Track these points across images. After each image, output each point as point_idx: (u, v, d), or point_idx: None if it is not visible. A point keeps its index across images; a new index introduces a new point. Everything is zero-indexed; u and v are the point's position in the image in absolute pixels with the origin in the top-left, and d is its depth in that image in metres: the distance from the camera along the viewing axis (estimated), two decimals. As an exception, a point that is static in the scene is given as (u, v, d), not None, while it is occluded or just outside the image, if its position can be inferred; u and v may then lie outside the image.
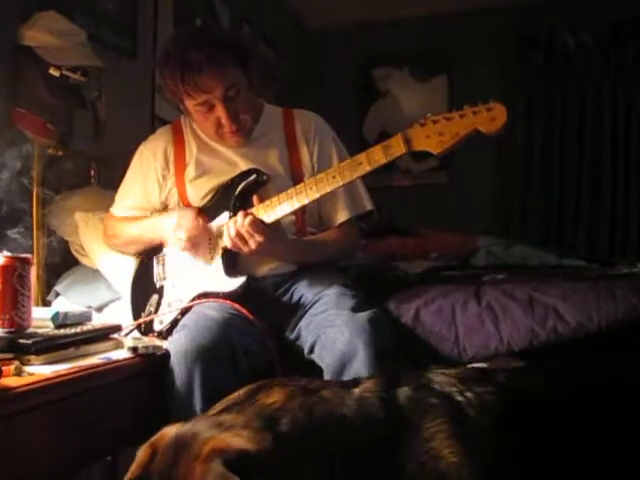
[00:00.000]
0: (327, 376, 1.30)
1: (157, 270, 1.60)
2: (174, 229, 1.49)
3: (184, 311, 1.44)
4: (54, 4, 1.81)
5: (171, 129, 1.67)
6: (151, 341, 1.38)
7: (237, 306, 1.37)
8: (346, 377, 1.26)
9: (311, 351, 1.38)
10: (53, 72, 1.74)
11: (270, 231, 1.40)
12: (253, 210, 1.43)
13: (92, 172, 2.10)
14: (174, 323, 1.44)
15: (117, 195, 1.70)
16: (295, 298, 1.49)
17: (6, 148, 1.77)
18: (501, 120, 1.17)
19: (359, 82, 4.12)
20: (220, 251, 1.48)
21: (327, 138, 1.62)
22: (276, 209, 1.41)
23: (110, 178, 2.18)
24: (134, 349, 1.29)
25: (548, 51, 3.67)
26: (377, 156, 1.29)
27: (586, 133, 3.63)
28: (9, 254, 1.19)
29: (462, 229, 2.75)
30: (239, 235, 1.39)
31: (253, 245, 1.39)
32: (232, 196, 1.51)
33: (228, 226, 1.41)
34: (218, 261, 1.49)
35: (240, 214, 1.40)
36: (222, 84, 1.45)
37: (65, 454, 1.11)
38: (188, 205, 1.58)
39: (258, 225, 1.39)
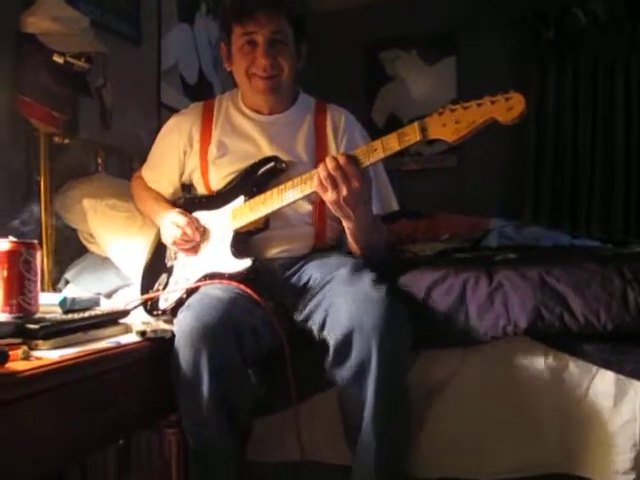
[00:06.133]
0: (332, 351, 1.29)
1: (169, 250, 1.61)
2: (163, 231, 1.56)
3: (190, 291, 1.43)
4: (56, -10, 1.80)
5: (202, 107, 1.68)
6: (159, 325, 1.37)
7: (242, 287, 1.35)
8: (353, 351, 1.25)
9: (322, 328, 1.35)
10: (57, 59, 1.73)
11: (365, 178, 1.31)
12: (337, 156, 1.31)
13: (99, 160, 2.09)
14: (179, 302, 1.43)
15: (148, 157, 1.76)
16: (304, 280, 1.47)
17: (12, 137, 1.78)
18: (518, 109, 1.17)
19: (367, 65, 4.08)
20: (231, 235, 1.48)
21: (356, 134, 1.62)
22: (289, 192, 1.40)
23: (117, 166, 2.18)
24: (143, 333, 1.28)
25: (559, 28, 3.60)
26: (392, 143, 1.28)
27: (598, 110, 3.56)
28: (15, 239, 1.19)
29: (473, 212, 2.71)
30: (331, 177, 1.29)
31: (345, 190, 1.29)
32: (249, 181, 1.52)
33: (318, 168, 1.32)
34: (227, 242, 1.48)
35: (329, 157, 1.31)
36: (275, 24, 1.50)
37: (75, 438, 1.10)
38: (208, 186, 1.59)
39: (357, 165, 1.29)
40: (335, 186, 1.29)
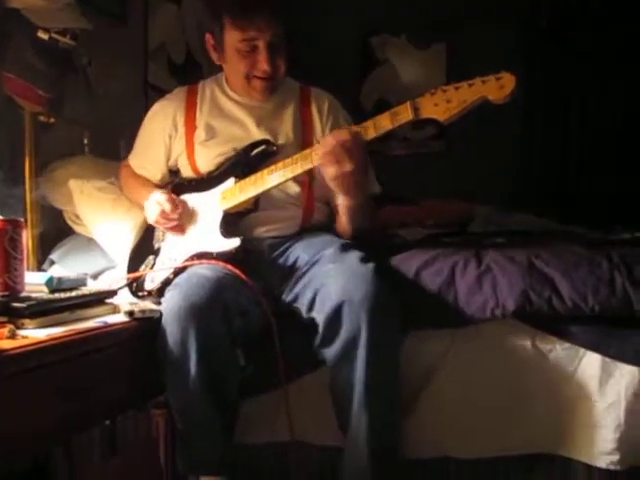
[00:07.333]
0: (321, 328, 1.28)
1: (157, 232, 1.61)
2: (146, 211, 1.54)
3: (177, 271, 1.42)
4: (40, -35, 1.75)
5: (186, 91, 1.68)
6: (147, 305, 1.36)
7: (230, 267, 1.34)
8: (342, 326, 1.25)
9: (310, 309, 1.35)
10: (41, 35, 1.69)
11: (366, 153, 1.31)
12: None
13: (85, 140, 2.06)
14: (166, 282, 1.42)
15: (134, 145, 1.74)
16: (291, 260, 1.48)
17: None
18: (509, 88, 1.20)
19: (357, 50, 4.05)
20: (220, 215, 1.48)
21: (340, 118, 1.64)
22: (279, 173, 1.40)
23: (103, 146, 2.15)
24: (130, 313, 1.27)
25: (551, 16, 3.60)
26: (384, 122, 1.30)
27: (589, 98, 3.58)
28: (0, 217, 1.17)
29: (461, 198, 2.72)
30: (335, 152, 1.28)
31: (349, 165, 1.29)
32: (240, 164, 1.52)
33: (320, 141, 1.33)
34: (216, 223, 1.47)
35: (335, 131, 1.33)
36: (273, 27, 1.49)
37: (61, 418, 1.09)
38: (195, 169, 1.59)
39: (360, 140, 1.29)
40: (339, 160, 1.29)
